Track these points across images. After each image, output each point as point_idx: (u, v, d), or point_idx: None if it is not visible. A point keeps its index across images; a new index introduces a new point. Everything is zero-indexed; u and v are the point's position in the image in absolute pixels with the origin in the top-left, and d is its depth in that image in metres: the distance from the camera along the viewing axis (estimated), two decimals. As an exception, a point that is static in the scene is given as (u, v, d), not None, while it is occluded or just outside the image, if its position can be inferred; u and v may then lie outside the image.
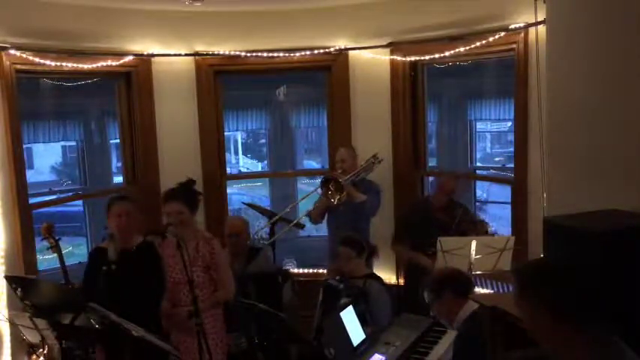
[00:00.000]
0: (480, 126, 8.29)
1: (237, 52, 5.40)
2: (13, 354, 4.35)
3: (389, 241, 4.93)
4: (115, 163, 6.91)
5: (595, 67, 2.77)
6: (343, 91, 5.49)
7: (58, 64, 4.69)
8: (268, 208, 5.57)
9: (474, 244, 4.06)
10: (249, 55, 5.40)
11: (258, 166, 11.40)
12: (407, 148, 5.45)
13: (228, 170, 6.42)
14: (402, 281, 5.11)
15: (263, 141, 10.30)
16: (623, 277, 2.18)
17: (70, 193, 6.29)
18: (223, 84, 5.68)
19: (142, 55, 5.21)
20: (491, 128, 10.13)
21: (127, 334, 3.02)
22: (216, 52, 5.40)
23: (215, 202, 5.53)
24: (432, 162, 6.10)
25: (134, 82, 5.28)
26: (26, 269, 4.39)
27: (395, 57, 5.28)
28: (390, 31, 5.25)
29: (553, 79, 3.12)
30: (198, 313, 3.24)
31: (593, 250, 2.21)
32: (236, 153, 12.05)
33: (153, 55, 5.25)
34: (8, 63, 4.35)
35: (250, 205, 5.61)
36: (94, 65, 4.93)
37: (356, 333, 3.52)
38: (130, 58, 5.13)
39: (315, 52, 5.37)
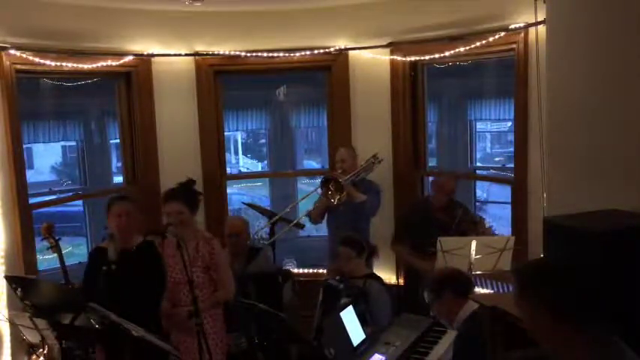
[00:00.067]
0: (479, 126, 8.31)
1: (237, 52, 5.40)
2: (13, 354, 4.35)
3: (389, 241, 4.93)
4: (115, 163, 6.92)
5: (595, 67, 2.77)
6: (343, 91, 5.49)
7: (58, 64, 4.68)
8: (268, 208, 5.57)
9: (473, 244, 4.06)
10: (249, 55, 5.40)
11: (258, 166, 11.41)
12: (407, 148, 5.45)
13: (228, 170, 6.42)
14: (402, 281, 5.11)
15: (263, 141, 10.30)
16: (623, 277, 2.18)
17: (70, 193, 6.29)
18: (223, 84, 5.68)
19: (142, 55, 5.21)
20: (491, 128, 10.14)
21: (127, 334, 3.02)
22: (216, 52, 5.40)
23: (215, 202, 5.53)
24: (432, 162, 6.11)
25: (134, 82, 5.28)
26: (26, 269, 4.39)
27: (395, 57, 5.28)
28: (390, 31, 5.25)
29: (553, 79, 3.12)
30: (198, 313, 3.24)
31: (593, 250, 2.21)
32: (236, 153, 12.06)
33: (153, 55, 5.25)
34: (8, 63, 4.35)
35: (250, 205, 5.62)
36: (94, 65, 4.93)
37: (356, 333, 3.52)
38: (130, 58, 5.13)
39: (315, 52, 5.37)
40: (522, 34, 4.40)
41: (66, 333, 3.33)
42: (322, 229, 5.50)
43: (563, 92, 3.01)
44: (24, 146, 4.73)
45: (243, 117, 7.59)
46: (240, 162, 12.04)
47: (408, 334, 3.60)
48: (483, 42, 4.66)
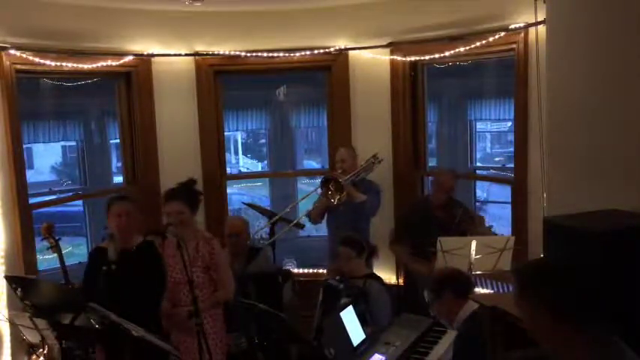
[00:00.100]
0: (479, 126, 8.31)
1: (237, 52, 5.40)
2: (13, 354, 4.35)
3: (388, 241, 4.93)
4: (115, 163, 6.92)
5: (595, 67, 2.77)
6: (343, 91, 5.49)
7: (58, 64, 4.68)
8: (268, 208, 5.57)
9: (473, 244, 4.06)
10: (249, 55, 5.40)
11: (258, 166, 11.41)
12: (407, 148, 5.45)
13: (228, 170, 6.42)
14: (402, 281, 5.11)
15: (263, 141, 10.31)
16: (623, 277, 2.18)
17: (70, 193, 6.30)
18: (223, 84, 5.68)
19: (142, 55, 5.20)
20: (491, 128, 10.14)
21: (127, 334, 3.02)
22: (216, 52, 5.40)
23: (215, 202, 5.53)
24: (432, 162, 6.11)
25: (134, 82, 5.28)
26: (26, 269, 4.39)
27: (395, 57, 5.28)
28: (390, 31, 5.25)
29: (553, 79, 3.12)
30: (198, 313, 3.24)
31: (593, 250, 2.21)
32: (236, 153, 12.06)
33: (153, 55, 5.25)
34: (8, 63, 4.35)
35: (250, 205, 5.61)
36: (94, 65, 4.93)
37: (356, 333, 3.52)
38: (130, 58, 5.13)
39: (315, 52, 5.37)
40: (522, 34, 4.40)
41: (66, 333, 3.33)
42: (322, 229, 5.50)
43: (563, 92, 3.01)
44: (24, 146, 4.73)
45: (243, 117, 7.59)
46: (240, 162, 12.04)
47: (408, 334, 3.60)
48: (483, 42, 4.66)
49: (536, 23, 4.17)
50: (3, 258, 4.28)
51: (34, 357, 4.08)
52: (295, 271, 5.58)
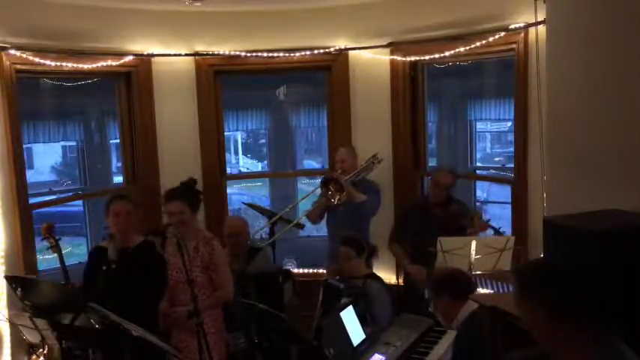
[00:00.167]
0: (479, 126, 8.30)
1: (237, 52, 5.40)
2: (13, 354, 4.35)
3: (388, 241, 4.93)
4: (115, 163, 6.91)
5: (595, 67, 2.77)
6: (343, 91, 5.49)
7: (58, 64, 4.69)
8: (268, 208, 5.56)
9: (473, 244, 4.06)
10: (249, 55, 5.40)
11: (258, 166, 11.39)
12: (407, 148, 5.45)
13: (228, 170, 6.42)
14: (402, 281, 5.11)
15: (263, 141, 10.29)
16: (623, 277, 2.18)
17: (70, 193, 6.29)
18: (223, 84, 5.68)
19: (142, 55, 5.21)
20: (491, 128, 10.13)
21: (127, 334, 3.02)
22: (216, 52, 5.40)
23: (215, 202, 5.53)
24: (432, 162, 6.10)
25: (134, 82, 5.28)
26: (26, 269, 4.39)
27: (395, 57, 5.28)
28: (390, 31, 5.25)
29: (553, 79, 3.12)
30: (197, 312, 3.24)
31: (593, 250, 2.20)
32: (236, 153, 12.05)
33: (153, 55, 5.25)
34: (8, 63, 4.35)
35: (250, 205, 5.61)
36: (94, 65, 4.93)
37: (356, 333, 3.52)
38: (130, 58, 5.13)
39: (315, 52, 5.37)
40: (522, 34, 4.40)
41: (66, 333, 3.32)
42: (322, 229, 5.50)
43: (563, 92, 3.01)
44: (24, 146, 4.73)
45: (243, 117, 7.59)
46: (240, 162, 12.03)
47: (408, 334, 3.60)
48: (483, 42, 4.66)
49: (536, 23, 4.17)
50: (3, 258, 4.28)
51: (34, 357, 4.08)
52: (295, 271, 5.58)
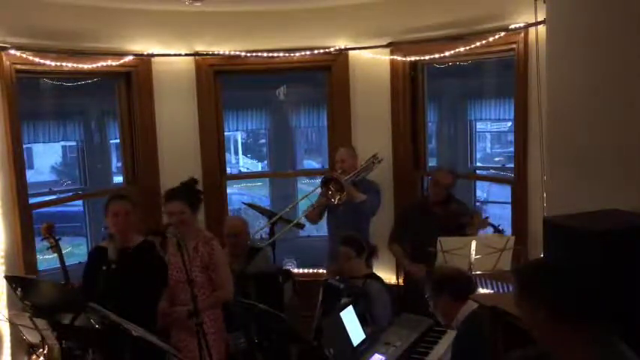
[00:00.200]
0: (480, 126, 8.29)
1: (237, 52, 5.40)
2: (13, 354, 4.35)
3: (388, 241, 4.93)
4: (115, 163, 6.91)
5: (595, 67, 2.77)
6: (343, 91, 5.49)
7: (58, 64, 4.69)
8: (268, 208, 5.56)
9: (473, 244, 4.06)
10: (249, 55, 5.40)
11: (258, 166, 11.39)
12: (407, 148, 5.45)
13: (228, 170, 6.42)
14: (402, 281, 5.11)
15: (263, 141, 10.29)
16: (623, 277, 2.18)
17: (70, 193, 6.29)
18: (223, 84, 5.68)
19: (142, 55, 5.21)
20: (491, 128, 10.13)
21: (127, 334, 3.02)
22: (216, 52, 5.40)
23: (215, 202, 5.53)
24: (432, 162, 6.10)
25: (134, 82, 5.28)
26: (26, 269, 4.39)
27: (395, 57, 5.28)
28: (390, 31, 5.25)
29: (553, 79, 3.12)
30: (197, 312, 3.24)
31: (593, 250, 2.20)
32: (236, 153, 12.05)
33: (153, 55, 5.25)
34: (8, 63, 4.35)
35: (250, 205, 5.61)
36: (94, 65, 4.93)
37: (356, 333, 3.52)
38: (130, 58, 5.13)
39: (315, 52, 5.37)
40: (522, 34, 4.40)
41: (66, 333, 3.32)
42: (322, 229, 5.50)
43: (563, 92, 3.01)
44: (24, 146, 4.73)
45: (243, 117, 7.58)
46: (240, 162, 12.03)
47: (408, 334, 3.60)
48: (483, 42, 4.66)
49: (536, 23, 4.17)
50: (3, 258, 4.28)
51: (34, 357, 4.08)
52: (295, 271, 5.58)
